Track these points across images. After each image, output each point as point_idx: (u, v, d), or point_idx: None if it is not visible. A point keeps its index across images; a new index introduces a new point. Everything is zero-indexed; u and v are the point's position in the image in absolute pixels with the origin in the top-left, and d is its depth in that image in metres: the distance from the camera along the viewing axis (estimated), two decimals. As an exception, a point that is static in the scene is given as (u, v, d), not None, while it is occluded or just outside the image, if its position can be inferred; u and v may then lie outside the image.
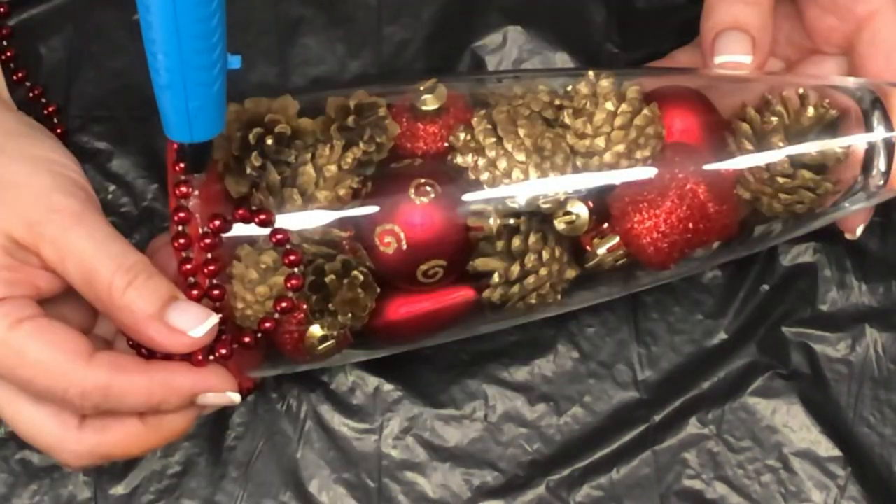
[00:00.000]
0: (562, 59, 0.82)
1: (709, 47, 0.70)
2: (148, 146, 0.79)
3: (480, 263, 0.66)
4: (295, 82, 0.81)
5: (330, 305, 0.64)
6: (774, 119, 0.66)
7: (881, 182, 0.67)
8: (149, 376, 0.61)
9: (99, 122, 0.80)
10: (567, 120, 0.66)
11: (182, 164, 0.63)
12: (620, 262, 0.68)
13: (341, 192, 0.64)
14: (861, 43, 0.71)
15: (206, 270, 0.63)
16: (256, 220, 0.63)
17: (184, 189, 0.63)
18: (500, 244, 0.66)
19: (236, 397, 0.64)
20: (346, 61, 0.82)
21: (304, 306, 0.65)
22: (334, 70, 0.82)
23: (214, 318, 0.62)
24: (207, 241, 0.63)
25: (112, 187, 0.79)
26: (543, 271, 0.66)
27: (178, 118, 0.59)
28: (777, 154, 0.66)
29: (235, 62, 0.59)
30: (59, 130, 0.78)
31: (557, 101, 0.67)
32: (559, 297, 0.69)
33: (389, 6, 0.82)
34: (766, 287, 0.79)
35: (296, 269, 0.63)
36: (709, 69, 0.70)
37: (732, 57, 0.69)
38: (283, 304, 0.63)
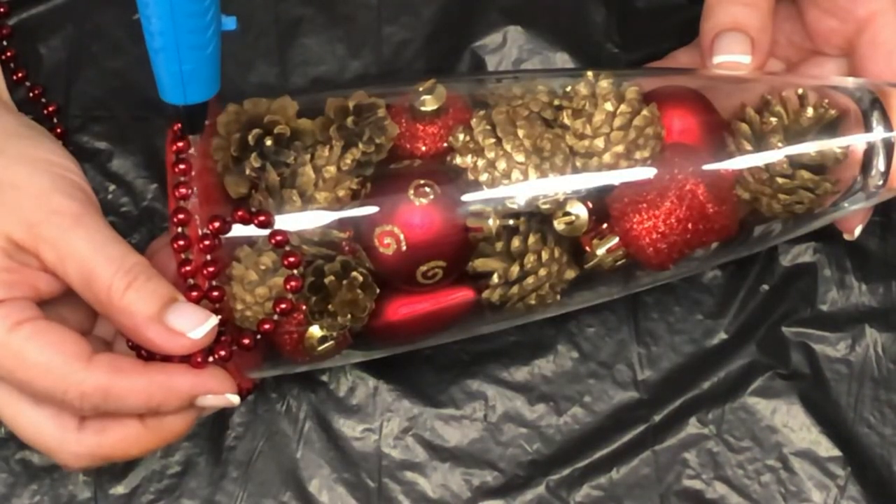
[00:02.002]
0: (562, 59, 0.82)
1: (708, 48, 0.70)
2: (148, 146, 0.79)
3: (480, 264, 0.66)
4: (295, 82, 0.81)
5: (329, 306, 0.64)
6: (773, 119, 0.66)
7: (880, 182, 0.67)
8: (148, 378, 0.61)
9: (99, 122, 0.80)
10: (566, 120, 0.66)
11: (179, 150, 0.64)
12: (620, 262, 0.68)
13: (340, 192, 0.64)
14: (861, 44, 0.71)
15: (205, 272, 0.63)
16: (256, 221, 0.63)
17: (183, 190, 0.63)
18: (499, 245, 0.66)
19: (235, 399, 0.64)
20: (346, 61, 0.82)
21: (304, 307, 0.65)
22: (334, 70, 0.82)
23: (214, 320, 0.62)
24: (207, 242, 0.63)
25: (112, 187, 0.79)
26: (543, 272, 0.66)
27: (171, 81, 0.59)
28: (776, 154, 0.66)
29: (230, 23, 0.59)
30: (58, 130, 0.78)
31: (556, 102, 0.67)
32: (558, 297, 0.69)
33: (389, 6, 0.82)
34: (766, 287, 0.79)
35: (295, 271, 0.63)
36: (708, 69, 0.70)
37: (731, 57, 0.69)
38: (283, 306, 0.63)
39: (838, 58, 0.74)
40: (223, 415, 0.76)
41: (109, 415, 0.63)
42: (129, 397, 0.61)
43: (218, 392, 0.63)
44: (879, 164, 0.67)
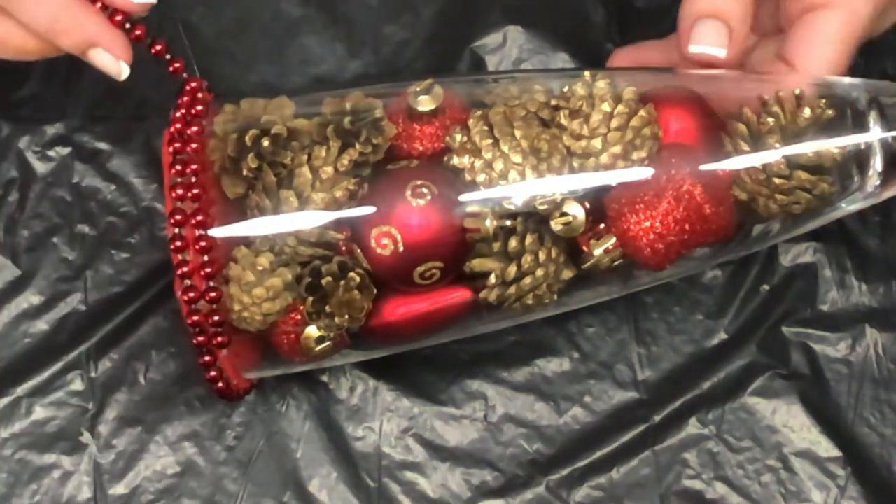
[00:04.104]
0: (562, 59, 0.82)
1: (685, 33, 0.70)
2: (148, 146, 0.79)
3: (477, 264, 0.66)
4: (295, 82, 0.81)
5: (327, 307, 0.64)
6: (771, 120, 0.66)
7: (878, 182, 0.67)
8: (68, 3, 0.63)
9: (99, 122, 0.80)
10: (563, 121, 0.66)
11: (176, 151, 0.64)
12: (617, 262, 0.68)
13: (338, 193, 0.64)
14: (800, 25, 0.70)
15: (202, 273, 0.63)
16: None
17: (180, 191, 0.63)
18: (496, 245, 0.66)
19: (126, 71, 0.65)
20: (346, 61, 0.82)
21: (301, 307, 0.65)
22: (334, 70, 0.82)
23: None
24: (203, 243, 0.63)
25: (112, 187, 0.79)
26: (540, 272, 0.66)
27: None
28: (773, 155, 0.66)
29: None
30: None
31: (554, 102, 0.67)
32: (556, 297, 0.68)
33: (389, 6, 0.82)
34: (766, 287, 0.79)
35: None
36: (683, 54, 0.70)
37: (708, 49, 0.69)
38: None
39: None
40: (223, 415, 0.77)
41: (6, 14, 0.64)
42: (41, 7, 0.62)
43: (116, 56, 0.65)
44: (876, 163, 0.67)
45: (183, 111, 0.65)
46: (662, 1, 0.83)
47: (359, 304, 0.65)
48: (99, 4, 0.65)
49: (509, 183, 0.65)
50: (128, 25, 0.66)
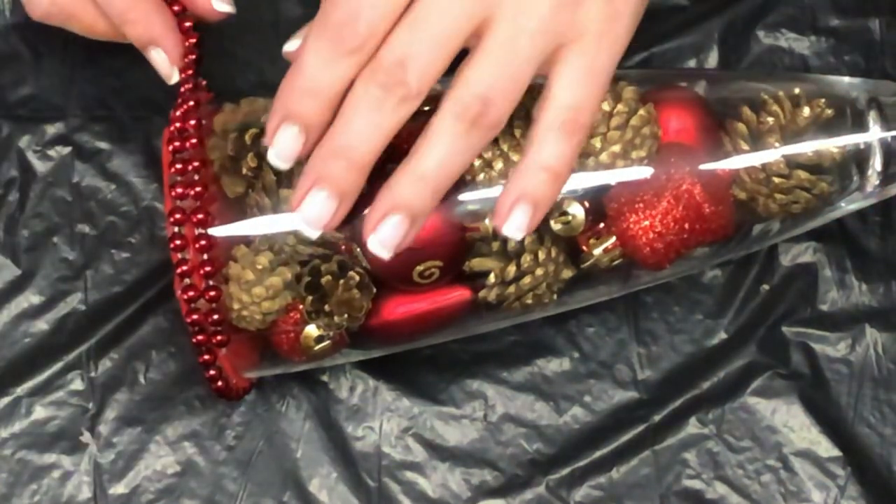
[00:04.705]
0: (562, 59, 0.82)
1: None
2: (148, 146, 0.79)
3: (476, 264, 0.66)
4: (295, 82, 0.81)
5: (326, 306, 0.64)
6: (770, 119, 0.66)
7: (877, 182, 0.67)
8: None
9: (99, 122, 0.79)
10: (563, 120, 0.66)
11: (176, 150, 0.64)
12: (616, 262, 0.68)
13: (337, 192, 0.64)
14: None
15: (201, 271, 0.63)
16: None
17: (180, 190, 0.63)
18: (496, 244, 0.66)
19: (176, 77, 0.68)
20: (346, 61, 0.82)
21: (301, 306, 0.65)
22: (334, 70, 0.81)
23: None
24: (202, 242, 0.63)
25: (112, 187, 0.79)
26: (539, 271, 0.66)
27: None
28: (773, 154, 0.66)
29: None
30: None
31: (554, 101, 0.67)
32: (555, 297, 0.69)
33: (389, 6, 0.82)
34: (766, 287, 0.79)
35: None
36: None
37: None
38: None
39: None
40: (223, 414, 0.77)
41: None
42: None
43: (171, 61, 0.67)
44: (876, 163, 0.67)
45: (182, 110, 0.65)
46: (662, 1, 0.83)
47: (358, 303, 0.65)
48: (177, 7, 0.68)
49: (509, 182, 0.65)
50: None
